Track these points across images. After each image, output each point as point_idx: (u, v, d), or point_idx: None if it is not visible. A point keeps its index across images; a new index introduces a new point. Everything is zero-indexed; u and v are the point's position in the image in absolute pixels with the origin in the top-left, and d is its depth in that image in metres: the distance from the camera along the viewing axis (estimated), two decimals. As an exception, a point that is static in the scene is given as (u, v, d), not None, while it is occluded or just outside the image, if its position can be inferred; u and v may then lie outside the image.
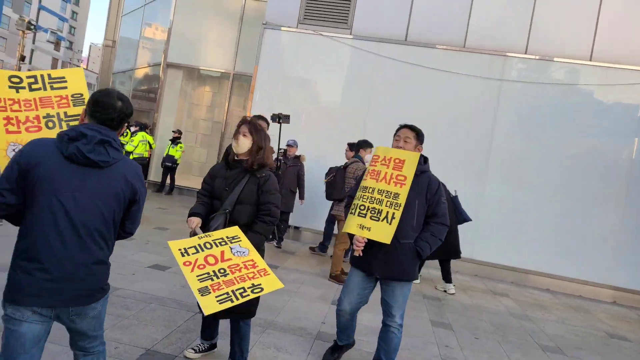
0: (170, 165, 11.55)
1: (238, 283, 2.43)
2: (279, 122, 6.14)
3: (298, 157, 7.68)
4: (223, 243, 2.69)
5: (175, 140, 11.54)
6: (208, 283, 2.38)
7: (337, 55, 8.54)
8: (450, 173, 7.17)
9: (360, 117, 8.35)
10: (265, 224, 2.94)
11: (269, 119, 5.30)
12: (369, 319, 4.62)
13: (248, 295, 2.38)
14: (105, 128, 1.91)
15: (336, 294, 5.40)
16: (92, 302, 1.94)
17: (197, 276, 2.42)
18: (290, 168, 7.50)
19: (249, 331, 3.11)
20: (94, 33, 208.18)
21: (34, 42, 55.56)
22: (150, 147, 11.23)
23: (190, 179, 12.26)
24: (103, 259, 1.96)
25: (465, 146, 7.98)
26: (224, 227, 2.88)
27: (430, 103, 8.10)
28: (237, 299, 2.34)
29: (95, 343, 2.12)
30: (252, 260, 2.62)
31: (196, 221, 2.92)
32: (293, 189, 7.52)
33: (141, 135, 10.64)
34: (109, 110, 1.93)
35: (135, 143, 10.39)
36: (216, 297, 2.31)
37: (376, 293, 3.42)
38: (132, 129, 10.98)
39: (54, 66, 63.29)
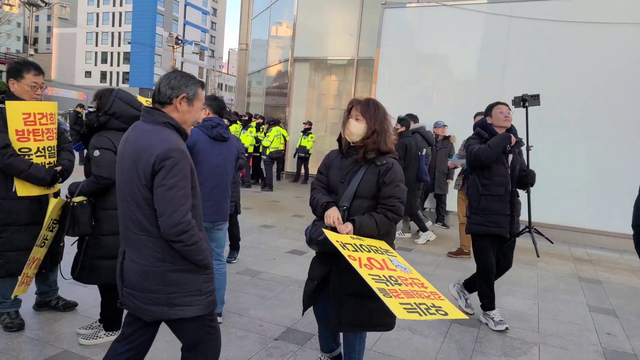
0: (303, 156, 12.14)
1: (418, 297, 2.05)
2: (524, 106, 4.11)
3: (447, 138, 7.51)
4: (379, 252, 2.31)
5: (306, 131, 12.06)
6: (384, 286, 2.02)
7: (465, 24, 8.01)
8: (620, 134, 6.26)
9: (496, 86, 7.72)
10: (387, 219, 2.43)
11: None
12: (512, 302, 4.29)
13: (434, 314, 1.98)
14: (220, 118, 3.37)
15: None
16: None
17: (369, 275, 2.06)
18: (441, 150, 7.39)
19: (361, 346, 2.64)
20: (231, 39, 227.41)
21: (182, 55, 62.71)
22: (285, 140, 11.90)
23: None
24: None
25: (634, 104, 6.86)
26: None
27: (577, 59, 7.14)
28: (424, 314, 1.95)
29: None
30: (418, 279, 2.24)
31: (336, 213, 2.41)
32: (445, 170, 7.39)
33: (275, 130, 11.32)
34: (222, 106, 3.38)
35: (270, 138, 11.10)
36: (401, 304, 1.94)
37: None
38: (252, 123, 11.67)
39: (200, 75, 70.89)
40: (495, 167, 3.69)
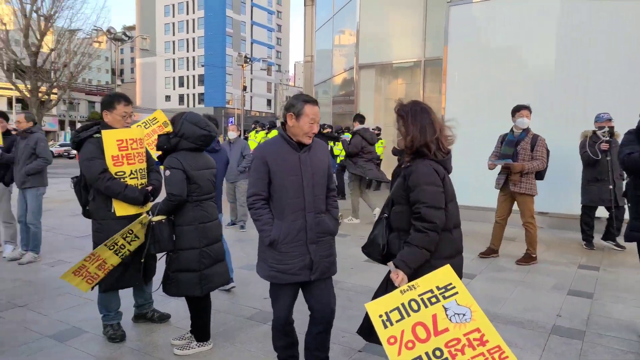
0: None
1: None
2: None
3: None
4: (434, 299, 1.97)
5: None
6: None
7: (538, 13, 7.54)
8: None
9: (580, 79, 7.18)
10: (419, 232, 2.19)
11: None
12: (620, 311, 3.91)
13: None
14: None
15: (576, 283, 4.74)
16: None
17: None
18: (614, 149, 6.96)
19: None
20: (296, 52, 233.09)
21: (251, 72, 65.11)
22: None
23: (396, 172, 12.54)
24: None
25: None
26: (384, 236, 2.38)
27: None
28: None
29: None
30: (477, 330, 1.86)
31: (404, 277, 2.19)
32: (621, 175, 6.90)
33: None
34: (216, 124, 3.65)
35: (340, 146, 11.14)
36: None
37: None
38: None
39: (268, 89, 73.17)
40: None
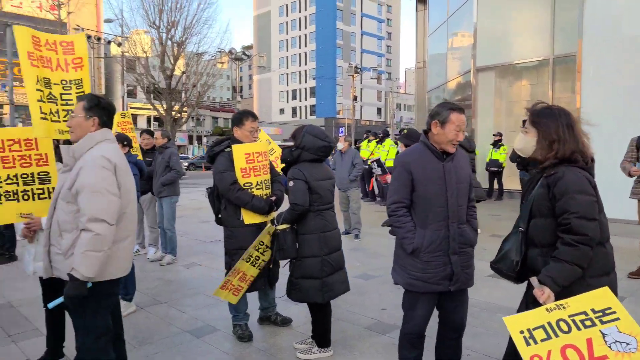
0: (495, 170, 11.33)
1: None
2: None
3: None
4: (588, 322, 1.72)
5: (497, 143, 11.26)
6: None
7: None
8: None
9: None
10: (569, 245, 1.93)
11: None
12: None
13: None
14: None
15: None
16: None
17: None
18: None
19: None
20: (406, 59, 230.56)
21: (361, 82, 65.80)
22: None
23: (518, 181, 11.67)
24: None
25: None
26: (519, 252, 2.14)
27: None
28: None
29: None
30: None
31: (550, 295, 1.94)
32: None
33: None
34: None
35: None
36: None
37: None
38: None
39: (378, 98, 73.25)
40: None
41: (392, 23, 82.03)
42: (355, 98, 24.43)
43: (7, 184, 2.97)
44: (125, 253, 2.47)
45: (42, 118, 2.97)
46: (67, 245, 2.34)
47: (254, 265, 3.45)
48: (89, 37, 22.87)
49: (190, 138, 50.10)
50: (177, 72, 26.69)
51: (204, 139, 53.79)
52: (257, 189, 3.56)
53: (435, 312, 2.71)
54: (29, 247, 2.92)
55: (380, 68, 66.15)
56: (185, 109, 28.10)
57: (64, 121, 3.05)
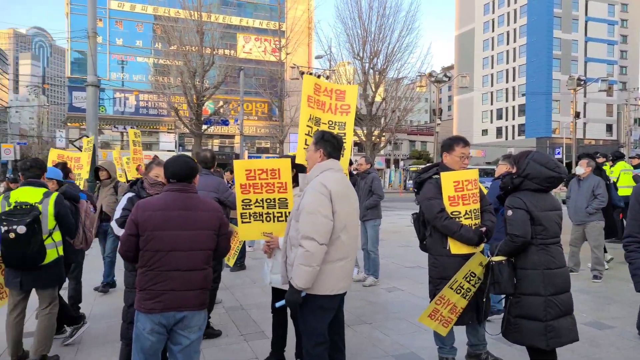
0: None
1: None
2: None
3: None
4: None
5: None
6: None
7: None
8: None
9: None
10: None
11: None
12: None
13: None
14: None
15: None
16: None
17: None
18: None
19: None
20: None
21: (585, 95, 57.65)
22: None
23: None
24: None
25: None
26: None
27: None
28: None
29: None
30: None
31: None
32: None
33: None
34: None
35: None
36: None
37: None
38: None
39: (608, 112, 62.89)
40: None
41: (628, 24, 69.69)
42: (577, 114, 21.34)
43: (255, 206, 3.47)
44: (342, 272, 2.76)
45: (304, 147, 3.56)
46: (293, 258, 2.73)
47: (464, 298, 3.27)
48: (302, 73, 25.81)
49: (388, 162, 51.47)
50: (378, 99, 27.81)
51: (401, 162, 54.58)
52: (465, 218, 3.38)
53: None
54: (268, 261, 3.49)
55: (611, 78, 56.53)
56: (384, 133, 28.99)
57: None
